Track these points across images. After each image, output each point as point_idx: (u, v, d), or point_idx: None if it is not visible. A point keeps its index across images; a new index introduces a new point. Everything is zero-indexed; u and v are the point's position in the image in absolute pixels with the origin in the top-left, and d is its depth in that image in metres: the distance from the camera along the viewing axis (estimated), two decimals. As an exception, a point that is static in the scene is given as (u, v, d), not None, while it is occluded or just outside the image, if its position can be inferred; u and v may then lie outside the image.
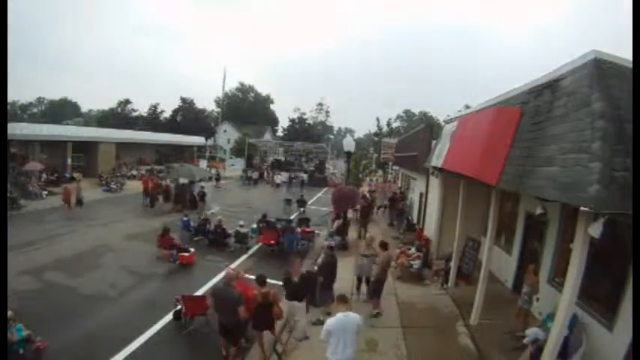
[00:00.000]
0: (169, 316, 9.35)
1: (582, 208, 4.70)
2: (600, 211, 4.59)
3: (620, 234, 6.41)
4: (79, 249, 14.20)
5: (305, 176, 43.15)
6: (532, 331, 7.14)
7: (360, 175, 38.88)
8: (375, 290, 9.77)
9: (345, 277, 10.76)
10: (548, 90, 6.29)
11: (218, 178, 37.85)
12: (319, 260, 10.47)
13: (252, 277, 8.14)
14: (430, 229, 16.02)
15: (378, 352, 8.15)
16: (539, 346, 6.40)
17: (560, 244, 8.48)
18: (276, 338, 8.04)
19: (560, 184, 5.14)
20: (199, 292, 10.91)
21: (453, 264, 11.52)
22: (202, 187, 24.23)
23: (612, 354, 6.18)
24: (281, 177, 42.06)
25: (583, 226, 5.03)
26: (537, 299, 9.08)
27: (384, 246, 10.24)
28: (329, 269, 9.78)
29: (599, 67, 5.16)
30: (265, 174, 46.28)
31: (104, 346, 8.01)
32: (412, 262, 12.82)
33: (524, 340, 7.17)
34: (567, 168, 5.09)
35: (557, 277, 8.37)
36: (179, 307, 9.11)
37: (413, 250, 13.94)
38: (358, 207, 18.85)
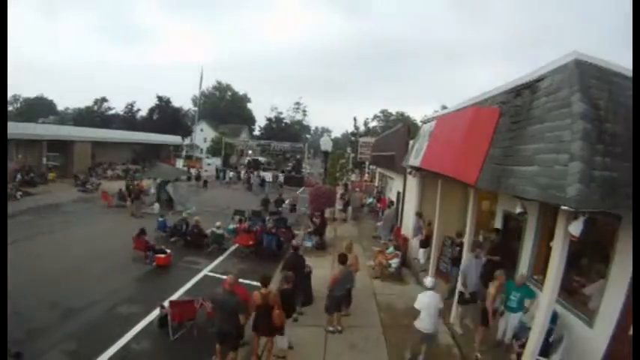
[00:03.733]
0: (146, 321, 9.14)
1: (563, 207, 4.74)
2: (581, 210, 4.64)
3: (599, 231, 6.54)
4: (52, 251, 13.72)
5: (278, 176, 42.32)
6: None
7: (337, 174, 38.69)
8: (327, 306, 8.86)
9: (320, 275, 10.63)
10: (528, 90, 6.36)
11: (198, 178, 37.38)
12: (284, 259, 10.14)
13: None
14: (408, 228, 16.08)
15: (358, 353, 8.12)
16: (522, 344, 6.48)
17: (538, 242, 8.59)
18: (267, 347, 7.61)
19: (541, 183, 5.20)
20: (178, 294, 10.73)
21: (431, 262, 11.56)
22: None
23: (593, 349, 6.29)
24: (258, 179, 39.42)
25: (563, 224, 5.08)
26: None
27: (340, 260, 9.02)
28: (292, 269, 9.09)
29: (579, 68, 5.23)
30: (242, 174, 45.45)
31: (75, 357, 7.74)
32: (390, 262, 12.83)
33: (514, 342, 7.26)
34: (548, 167, 5.15)
35: (536, 275, 8.48)
36: (164, 313, 8.80)
37: (391, 249, 13.95)
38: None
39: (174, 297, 10.35)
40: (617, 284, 6.04)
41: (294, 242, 10.41)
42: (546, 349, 6.14)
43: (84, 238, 16.11)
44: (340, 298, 8.80)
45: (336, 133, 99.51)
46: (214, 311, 7.08)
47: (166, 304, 9.00)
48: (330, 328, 8.80)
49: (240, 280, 8.39)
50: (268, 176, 41.55)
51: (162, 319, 8.81)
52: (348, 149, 59.43)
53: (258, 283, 7.33)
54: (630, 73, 5.32)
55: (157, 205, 22.15)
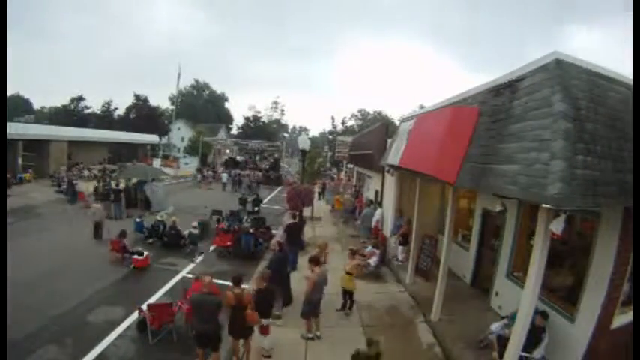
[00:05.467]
0: (125, 324, 8.90)
1: (544, 206, 4.77)
2: (562, 208, 4.69)
3: (579, 229, 6.67)
4: (27, 255, 13.09)
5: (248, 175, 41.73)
6: (497, 325, 7.30)
7: (314, 174, 38.56)
8: (306, 312, 8.50)
9: (298, 275, 10.57)
10: (508, 89, 6.40)
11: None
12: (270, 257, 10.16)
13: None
14: (386, 226, 16.15)
15: (339, 353, 8.04)
16: (504, 339, 6.53)
17: (517, 239, 8.73)
18: (245, 349, 7.43)
19: (522, 182, 5.24)
20: (156, 297, 10.51)
21: (410, 261, 11.61)
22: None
23: (575, 344, 6.44)
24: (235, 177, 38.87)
25: (544, 222, 5.14)
26: (496, 293, 9.31)
27: (315, 262, 8.59)
28: (278, 265, 9.34)
29: (560, 68, 5.28)
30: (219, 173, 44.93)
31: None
32: (369, 261, 12.80)
33: (490, 336, 7.30)
34: (529, 166, 5.19)
35: (515, 272, 8.61)
36: (142, 316, 8.52)
37: (369, 248, 13.91)
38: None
39: (153, 299, 10.14)
40: (596, 280, 6.16)
41: (279, 240, 10.40)
42: (528, 344, 6.19)
43: (60, 240, 15.58)
44: (318, 302, 8.60)
45: (314, 132, 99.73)
46: (193, 313, 6.94)
47: (145, 307, 8.77)
48: (309, 335, 8.53)
49: (218, 280, 8.25)
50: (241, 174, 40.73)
51: (141, 323, 8.57)
52: (326, 148, 59.52)
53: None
54: (611, 74, 5.43)
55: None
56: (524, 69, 6.08)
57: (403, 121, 13.54)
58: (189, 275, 12.12)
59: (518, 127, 5.75)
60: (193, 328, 7.16)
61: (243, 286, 7.69)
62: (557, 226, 4.87)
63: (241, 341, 7.34)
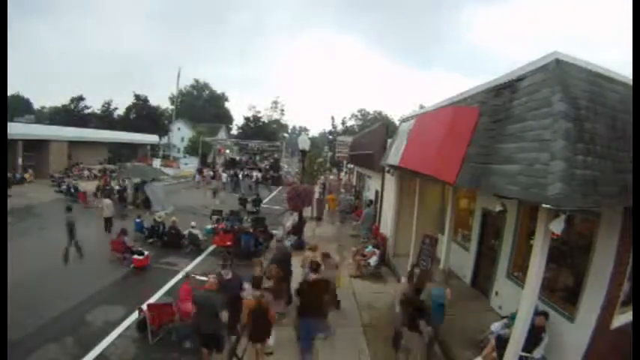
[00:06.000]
0: (125, 324, 8.92)
1: (544, 206, 4.77)
2: (562, 208, 4.69)
3: (579, 229, 6.66)
4: (27, 254, 13.14)
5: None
6: (497, 325, 7.30)
7: (315, 174, 38.46)
8: None
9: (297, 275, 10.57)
10: (508, 90, 6.39)
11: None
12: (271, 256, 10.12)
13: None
14: (386, 226, 16.13)
15: (340, 352, 8.07)
16: (504, 339, 6.53)
17: (517, 239, 8.72)
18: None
19: (522, 182, 5.23)
20: (156, 297, 10.54)
21: (409, 260, 11.60)
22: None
23: (575, 344, 6.43)
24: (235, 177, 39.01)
25: (544, 222, 5.14)
26: (496, 293, 9.30)
27: (315, 263, 8.29)
28: (279, 263, 9.31)
29: (560, 68, 5.28)
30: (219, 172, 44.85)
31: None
32: (369, 261, 12.80)
33: (490, 336, 7.30)
34: (529, 166, 5.18)
35: (516, 272, 8.60)
36: (142, 316, 8.54)
37: (370, 247, 13.93)
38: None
39: (153, 299, 10.17)
40: (596, 280, 6.17)
41: (279, 237, 10.35)
42: (528, 344, 6.19)
43: (60, 240, 15.50)
44: None
45: (314, 132, 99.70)
46: (198, 312, 6.94)
47: (145, 307, 8.77)
48: None
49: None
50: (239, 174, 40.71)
51: (141, 323, 8.58)
52: (326, 148, 59.46)
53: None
54: (610, 74, 5.42)
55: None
56: (524, 69, 6.07)
57: (403, 121, 13.52)
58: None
59: (518, 127, 5.75)
60: (198, 329, 7.12)
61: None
62: (557, 226, 4.87)
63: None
